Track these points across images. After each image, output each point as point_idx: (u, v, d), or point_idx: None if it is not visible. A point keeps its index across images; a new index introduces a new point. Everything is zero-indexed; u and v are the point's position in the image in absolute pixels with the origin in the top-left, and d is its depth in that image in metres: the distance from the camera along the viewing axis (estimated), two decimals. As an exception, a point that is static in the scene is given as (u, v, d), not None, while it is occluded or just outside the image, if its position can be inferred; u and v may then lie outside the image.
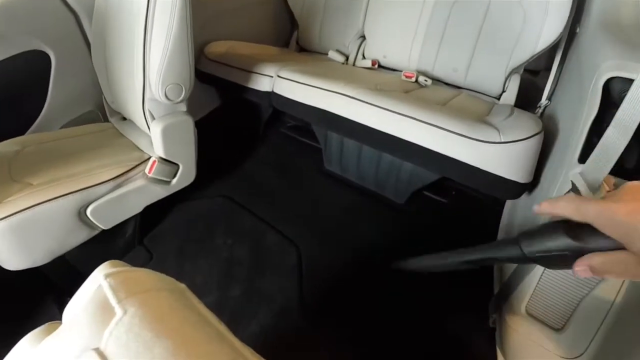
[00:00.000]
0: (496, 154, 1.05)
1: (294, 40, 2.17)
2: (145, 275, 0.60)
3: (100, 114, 1.60)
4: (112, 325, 0.50)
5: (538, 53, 1.38)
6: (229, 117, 1.99)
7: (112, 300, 0.53)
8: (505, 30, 1.44)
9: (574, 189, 0.71)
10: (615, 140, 0.62)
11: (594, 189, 0.67)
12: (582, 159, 0.76)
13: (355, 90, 1.26)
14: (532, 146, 1.03)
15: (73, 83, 1.47)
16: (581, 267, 0.37)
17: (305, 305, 1.19)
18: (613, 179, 0.68)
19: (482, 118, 1.21)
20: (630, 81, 0.66)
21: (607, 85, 0.72)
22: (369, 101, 1.22)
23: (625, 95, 0.60)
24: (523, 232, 0.43)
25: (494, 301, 1.08)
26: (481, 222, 1.45)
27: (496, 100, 1.57)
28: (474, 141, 1.07)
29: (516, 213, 1.24)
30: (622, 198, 0.35)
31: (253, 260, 1.33)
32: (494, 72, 1.51)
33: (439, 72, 1.66)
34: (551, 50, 1.40)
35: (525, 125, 1.07)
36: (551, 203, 0.40)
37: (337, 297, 1.23)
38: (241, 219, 1.50)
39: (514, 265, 0.98)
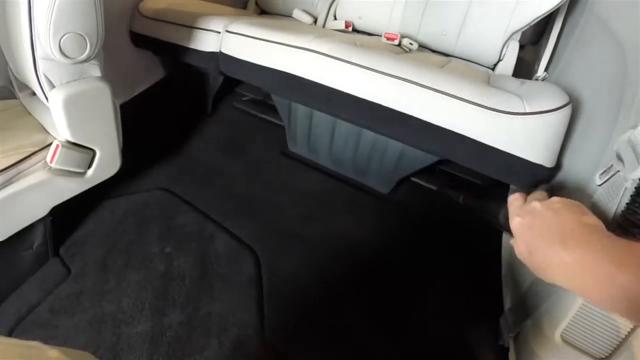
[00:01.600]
0: (521, 128, 0.82)
1: (252, 1, 1.85)
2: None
3: (14, 90, 1.29)
4: None
5: (544, 14, 1.17)
6: (169, 91, 1.66)
7: None
8: None
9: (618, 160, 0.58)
10: None
11: None
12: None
13: (329, 46, 0.97)
14: (562, 119, 0.82)
15: None
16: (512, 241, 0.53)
17: (266, 331, 0.92)
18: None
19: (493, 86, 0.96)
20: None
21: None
22: (348, 59, 0.93)
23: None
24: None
25: (508, 318, 0.90)
26: (483, 215, 1.22)
27: (490, 71, 1.37)
28: (492, 112, 0.82)
29: None
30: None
31: (198, 273, 1.03)
32: (490, 36, 1.30)
33: (425, 37, 1.41)
34: (539, 21, 1.23)
35: (551, 93, 0.85)
36: (513, 200, 0.56)
37: (309, 316, 0.97)
38: (183, 218, 1.19)
39: (530, 278, 0.84)
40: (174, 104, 1.70)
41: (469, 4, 1.29)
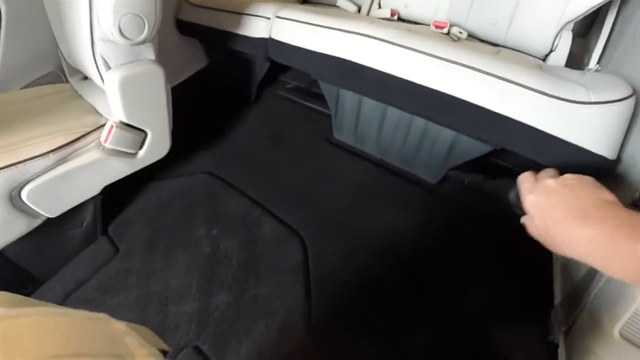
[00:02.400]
0: (585, 118, 0.79)
1: (295, -11, 1.83)
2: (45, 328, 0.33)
3: (63, 76, 1.32)
4: None
5: (599, 3, 1.11)
6: (216, 78, 1.67)
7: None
8: None
9: None
10: None
11: None
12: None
13: (385, 31, 0.95)
14: (627, 111, 0.80)
15: (29, 39, 1.19)
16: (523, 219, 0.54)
17: (313, 317, 0.92)
18: None
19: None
20: None
21: None
22: (406, 44, 0.91)
23: None
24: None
25: (559, 312, 0.87)
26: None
27: (541, 61, 1.30)
28: (557, 100, 0.79)
29: None
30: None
31: (245, 256, 1.03)
32: (542, 26, 1.24)
33: (473, 26, 1.36)
34: (602, 8, 1.19)
35: (615, 84, 0.82)
36: (524, 178, 0.56)
37: (355, 305, 0.95)
38: (229, 202, 1.19)
39: (586, 267, 0.81)
40: (219, 90, 1.71)
41: None
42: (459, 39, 1.31)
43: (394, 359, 0.86)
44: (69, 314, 0.36)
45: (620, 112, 0.78)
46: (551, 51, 1.27)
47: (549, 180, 0.50)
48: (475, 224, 1.14)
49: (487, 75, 0.83)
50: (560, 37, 1.24)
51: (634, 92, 0.80)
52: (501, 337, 0.91)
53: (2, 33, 1.12)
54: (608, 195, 0.45)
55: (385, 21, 1.34)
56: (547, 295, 0.95)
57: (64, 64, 1.24)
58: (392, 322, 0.91)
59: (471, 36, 1.37)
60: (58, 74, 1.32)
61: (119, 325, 0.38)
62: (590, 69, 1.15)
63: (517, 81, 0.81)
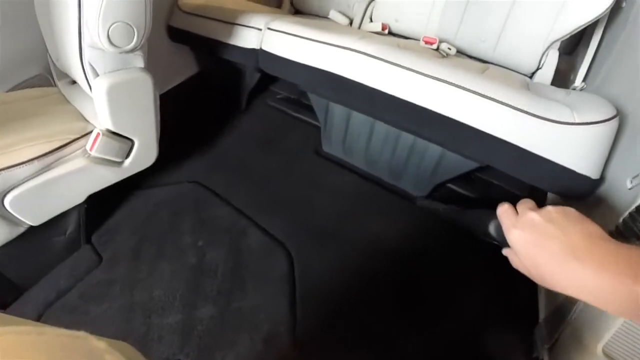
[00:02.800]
0: (569, 138, 0.81)
1: (287, 1, 1.84)
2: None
3: (51, 78, 1.31)
4: None
5: (586, 23, 1.14)
6: (205, 86, 1.67)
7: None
8: None
9: None
10: None
11: None
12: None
13: (374, 47, 0.95)
14: (610, 131, 0.81)
15: (16, 40, 1.18)
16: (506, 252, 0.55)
17: (298, 330, 0.91)
18: None
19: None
20: None
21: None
22: (394, 61, 0.91)
23: None
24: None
25: (543, 328, 0.88)
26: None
27: (527, 79, 1.32)
28: (541, 120, 0.80)
29: None
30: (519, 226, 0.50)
31: (230, 267, 1.02)
32: (529, 44, 1.26)
33: (462, 42, 1.38)
34: (588, 28, 1.21)
35: (599, 105, 0.85)
36: (504, 211, 0.54)
37: (341, 317, 0.95)
38: (216, 212, 1.18)
39: None
40: (208, 98, 1.70)
41: (509, 10, 1.25)
42: (447, 54, 1.32)
43: (377, 348, 0.87)
44: (46, 332, 0.35)
45: (603, 133, 0.80)
46: (538, 68, 1.29)
47: (532, 214, 0.49)
48: (462, 237, 1.14)
49: (474, 94, 0.84)
50: (547, 55, 1.26)
51: (618, 113, 0.81)
52: (487, 352, 0.91)
53: None
54: (594, 228, 0.45)
55: (376, 35, 1.35)
56: (532, 310, 0.95)
57: (52, 66, 1.21)
58: (377, 334, 0.91)
59: (460, 52, 1.39)
60: (46, 77, 1.30)
61: (99, 343, 0.37)
62: (576, 87, 1.17)
63: (502, 100, 0.82)
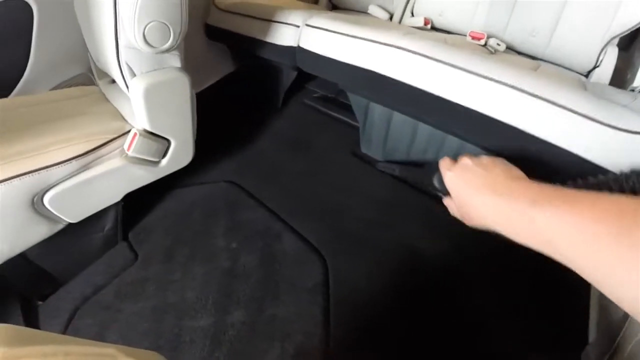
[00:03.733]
0: (632, 146, 0.73)
1: (324, -5, 1.82)
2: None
3: (93, 77, 1.33)
4: None
5: None
6: (241, 85, 1.67)
7: None
8: None
9: None
10: None
11: None
12: None
13: (419, 43, 0.90)
14: None
15: (60, 39, 1.22)
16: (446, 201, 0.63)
17: (331, 342, 0.87)
18: None
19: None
20: None
21: None
22: (442, 59, 0.86)
23: None
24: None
25: (591, 352, 0.82)
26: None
27: (583, 78, 1.24)
28: (605, 127, 0.73)
29: None
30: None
31: (264, 273, 1.00)
32: (586, 39, 1.18)
33: (512, 37, 1.31)
34: None
35: None
36: (444, 161, 0.61)
37: (376, 330, 0.90)
38: (250, 214, 1.17)
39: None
40: (244, 97, 1.70)
41: (563, 4, 1.17)
42: (496, 51, 1.25)
43: None
44: (72, 353, 0.34)
45: None
46: (595, 67, 1.20)
47: (466, 159, 0.56)
48: (509, 250, 1.07)
49: (530, 96, 0.77)
50: (605, 53, 1.17)
51: None
52: None
53: (34, 33, 1.14)
54: (517, 172, 0.51)
55: (419, 31, 1.29)
56: (582, 330, 0.88)
57: (92, 66, 1.24)
58: (413, 348, 0.87)
59: (510, 48, 1.32)
60: (88, 76, 1.34)
61: (126, 361, 0.36)
62: (635, 88, 1.10)
63: (569, 107, 0.75)
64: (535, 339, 0.89)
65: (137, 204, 1.15)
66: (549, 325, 0.91)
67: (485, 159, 0.54)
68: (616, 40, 1.16)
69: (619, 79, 1.19)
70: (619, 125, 0.72)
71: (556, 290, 0.96)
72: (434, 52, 0.88)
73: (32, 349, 0.32)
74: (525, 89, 0.78)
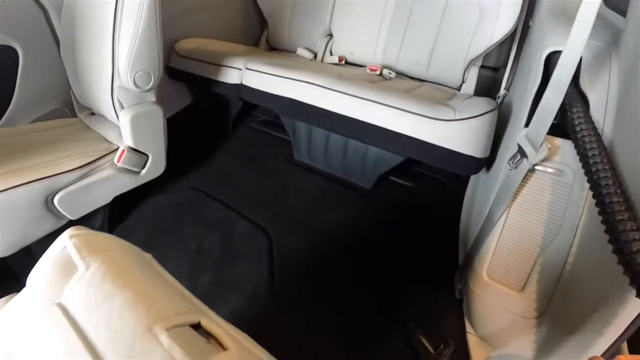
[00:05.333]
0: (452, 130, 1.11)
1: (263, 39, 2.20)
2: (109, 238, 0.61)
3: (68, 111, 1.60)
4: (74, 280, 0.50)
5: (494, 44, 1.45)
6: (199, 113, 2.01)
7: (75, 258, 0.54)
8: (462, 24, 1.51)
9: (520, 151, 0.82)
10: (552, 99, 0.72)
11: (537, 147, 0.78)
12: (528, 123, 0.85)
13: (320, 79, 1.29)
14: (485, 122, 1.09)
15: (41, 79, 1.47)
16: None
17: (276, 289, 1.20)
18: (556, 140, 0.82)
19: (444, 102, 1.26)
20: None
21: (549, 60, 0.84)
22: (333, 88, 1.26)
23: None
24: None
25: (458, 272, 1.13)
26: (445, 203, 1.50)
27: (457, 91, 1.64)
28: (432, 120, 1.12)
29: (477, 192, 1.30)
30: None
31: (223, 248, 1.33)
32: (453, 64, 1.58)
33: (402, 66, 1.72)
34: (509, 46, 1.51)
35: (479, 104, 1.14)
36: None
37: (307, 279, 1.24)
38: (211, 210, 1.50)
39: (473, 236, 1.04)
40: (202, 122, 2.04)
41: (435, 39, 1.58)
42: (390, 78, 1.65)
43: (337, 312, 1.13)
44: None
45: (479, 124, 1.08)
46: (463, 82, 1.60)
47: None
48: (401, 216, 1.48)
49: (387, 107, 1.17)
50: (468, 72, 1.58)
51: (494, 108, 1.11)
52: (422, 298, 1.17)
53: (19, 73, 1.39)
54: None
55: (332, 66, 1.71)
56: (454, 259, 1.25)
57: (74, 101, 1.51)
58: (336, 288, 1.20)
59: (402, 74, 1.72)
60: (64, 110, 1.58)
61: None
62: (500, 95, 1.42)
63: (407, 109, 1.14)
64: (424, 275, 1.24)
65: (120, 211, 1.43)
66: (433, 262, 1.28)
67: None
68: (478, 62, 1.56)
69: (494, 92, 1.50)
70: (439, 117, 1.10)
71: (437, 241, 1.36)
72: (332, 85, 1.26)
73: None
74: (387, 103, 1.17)
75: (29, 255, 1.19)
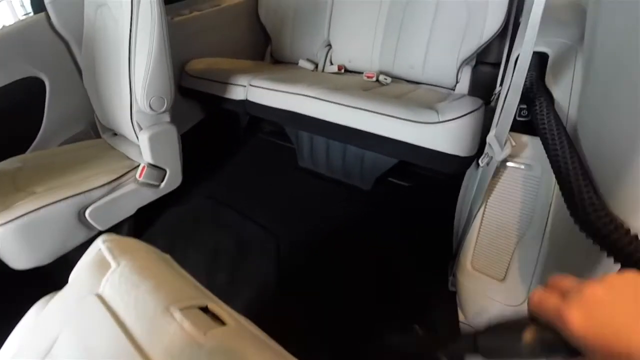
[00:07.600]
0: (436, 132, 1.18)
1: (268, 53, 2.32)
2: (135, 242, 0.76)
3: (92, 132, 1.75)
4: (108, 274, 0.65)
5: (485, 43, 1.51)
6: (211, 128, 2.15)
7: (109, 257, 0.68)
8: (452, 26, 1.57)
9: (489, 149, 0.90)
10: (511, 100, 0.79)
11: (502, 144, 0.85)
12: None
13: (316, 91, 1.41)
14: (468, 122, 1.15)
15: (66, 105, 1.62)
16: None
17: (283, 281, 1.34)
18: (523, 137, 0.90)
19: (432, 105, 1.31)
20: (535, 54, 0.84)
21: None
22: (327, 99, 1.37)
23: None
24: (480, 332, 0.38)
25: (450, 265, 1.21)
26: (442, 201, 1.53)
27: (451, 91, 1.69)
28: (417, 123, 1.20)
29: (467, 188, 1.34)
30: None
31: (236, 248, 1.47)
32: (446, 65, 1.63)
33: (398, 71, 1.79)
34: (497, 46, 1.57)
35: (464, 104, 1.19)
36: (542, 301, 0.35)
37: (311, 272, 1.37)
38: (225, 215, 1.65)
39: (460, 229, 1.12)
40: (214, 136, 2.19)
41: (427, 43, 1.64)
42: (386, 83, 1.74)
43: (339, 303, 1.25)
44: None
45: (461, 125, 1.13)
46: (457, 83, 1.65)
47: (589, 289, 0.32)
48: (398, 215, 1.60)
49: (377, 114, 1.26)
50: (462, 72, 1.63)
51: (479, 107, 1.16)
52: (419, 291, 1.26)
53: (47, 101, 1.53)
54: None
55: (329, 77, 1.81)
56: (449, 252, 1.32)
57: (97, 124, 1.67)
58: (338, 282, 1.32)
59: (399, 79, 1.79)
60: (88, 131, 1.74)
61: None
62: (496, 92, 1.39)
63: (394, 115, 1.23)
64: (422, 269, 1.35)
65: (145, 218, 1.58)
66: (429, 257, 1.37)
67: (614, 278, 0.33)
68: (472, 62, 1.61)
69: (489, 88, 1.53)
70: (423, 120, 1.18)
71: (433, 238, 1.46)
72: (326, 96, 1.37)
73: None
74: (376, 110, 1.26)
75: (67, 263, 1.31)
